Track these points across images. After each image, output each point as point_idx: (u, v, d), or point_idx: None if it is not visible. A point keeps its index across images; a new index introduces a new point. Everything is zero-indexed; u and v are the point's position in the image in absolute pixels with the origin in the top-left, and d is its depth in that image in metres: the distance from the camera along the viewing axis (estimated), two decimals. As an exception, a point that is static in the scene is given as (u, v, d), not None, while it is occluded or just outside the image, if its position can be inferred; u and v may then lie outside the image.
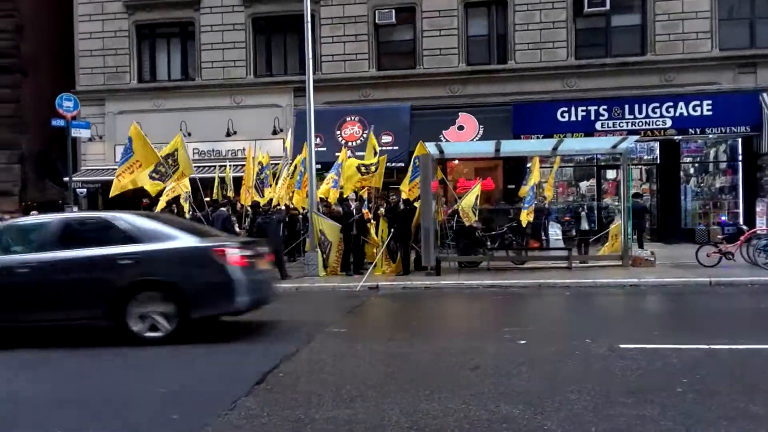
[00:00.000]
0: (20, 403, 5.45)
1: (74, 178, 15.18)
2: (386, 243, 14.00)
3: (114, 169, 20.82)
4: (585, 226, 16.00)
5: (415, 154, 14.90)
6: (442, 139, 18.88)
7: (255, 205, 14.42)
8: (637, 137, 15.65)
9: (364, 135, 20.11)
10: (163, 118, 21.05)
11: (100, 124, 21.08)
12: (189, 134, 21.10)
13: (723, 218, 18.92)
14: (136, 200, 21.13)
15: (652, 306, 10.36)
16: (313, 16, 15.19)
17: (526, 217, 14.16)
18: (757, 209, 17.11)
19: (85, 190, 20.01)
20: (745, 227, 15.12)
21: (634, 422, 4.46)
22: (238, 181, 16.68)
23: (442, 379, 5.74)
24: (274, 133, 20.61)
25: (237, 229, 13.93)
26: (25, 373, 6.57)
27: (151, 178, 13.34)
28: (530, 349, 6.77)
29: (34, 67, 23.19)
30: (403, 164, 18.24)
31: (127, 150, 13.66)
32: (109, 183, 20.03)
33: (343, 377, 5.89)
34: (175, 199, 14.80)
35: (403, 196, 14.79)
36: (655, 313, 9.97)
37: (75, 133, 14.94)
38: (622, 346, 6.71)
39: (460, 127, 19.82)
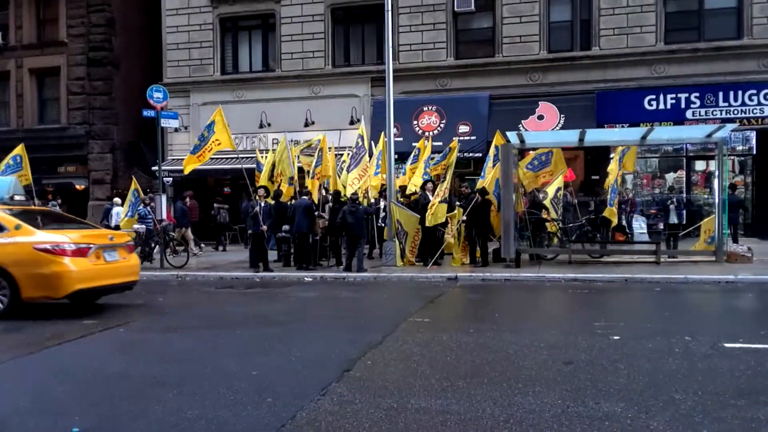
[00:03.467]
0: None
1: (162, 168, 15.80)
2: (461, 234, 13.85)
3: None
4: (674, 219, 15.31)
5: (493, 144, 14.62)
6: (521, 128, 18.48)
7: (336, 194, 14.54)
8: (734, 125, 14.79)
9: (442, 125, 19.97)
10: (244, 109, 21.64)
11: (185, 115, 21.83)
12: (269, 124, 21.62)
13: (826, 213, 17.66)
14: (218, 188, 21.83)
15: (753, 304, 9.76)
16: (391, 5, 15.12)
17: (614, 214, 13.76)
18: None
19: (171, 178, 20.78)
20: None
21: (749, 425, 4.18)
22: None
23: (534, 372, 5.58)
24: (351, 123, 20.74)
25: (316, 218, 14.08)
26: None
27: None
28: (625, 345, 6.49)
29: (124, 60, 24.25)
30: (480, 154, 17.99)
31: (207, 134, 14.26)
32: (193, 172, 20.87)
33: (432, 367, 5.83)
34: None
35: (480, 185, 14.57)
36: (757, 312, 9.36)
37: (164, 123, 15.49)
38: (726, 345, 6.33)
39: (540, 117, 19.35)
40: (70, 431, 4.38)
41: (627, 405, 4.62)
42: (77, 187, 23.78)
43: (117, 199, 19.89)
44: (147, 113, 15.29)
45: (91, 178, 23.55)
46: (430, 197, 14.84)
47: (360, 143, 15.13)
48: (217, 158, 21.27)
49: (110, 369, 6.11)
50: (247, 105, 21.81)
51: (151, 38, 24.17)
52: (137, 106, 16.67)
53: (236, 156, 17.39)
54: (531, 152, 15.25)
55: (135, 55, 24.50)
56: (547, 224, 15.10)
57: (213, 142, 14.22)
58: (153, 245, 15.13)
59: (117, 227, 19.77)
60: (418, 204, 14.47)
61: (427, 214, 13.55)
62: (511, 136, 14.15)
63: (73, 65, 23.67)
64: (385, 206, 15.22)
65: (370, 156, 16.33)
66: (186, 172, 14.87)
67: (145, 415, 4.66)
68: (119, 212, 19.57)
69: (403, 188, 15.71)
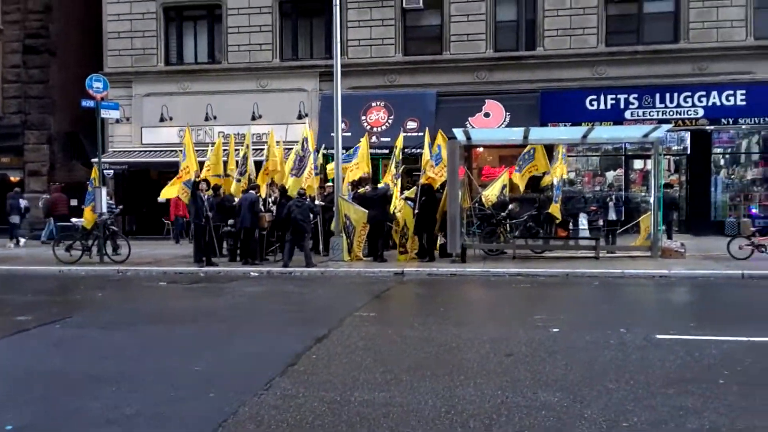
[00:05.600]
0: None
1: (102, 160, 15.31)
2: (403, 229, 13.98)
3: (141, 151, 21.17)
4: (613, 216, 15.80)
5: (435, 143, 14.74)
6: (468, 126, 18.71)
7: (283, 189, 14.41)
8: (669, 126, 15.35)
9: (390, 120, 20.03)
10: (189, 101, 21.17)
11: (127, 106, 21.18)
12: (215, 117, 21.23)
13: (753, 210, 18.60)
14: (161, 181, 21.29)
15: (684, 297, 10.20)
16: (339, 0, 15.05)
17: (557, 210, 14.12)
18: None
19: (112, 171, 20.16)
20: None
21: (677, 413, 4.38)
22: (258, 165, 16.51)
23: (475, 365, 5.71)
24: (299, 117, 20.54)
25: (262, 212, 13.91)
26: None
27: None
28: (564, 337, 6.70)
29: (63, 48, 23.35)
30: (428, 151, 18.10)
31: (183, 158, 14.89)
32: (135, 164, 20.52)
33: (376, 360, 5.88)
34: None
35: (422, 180, 14.66)
36: (688, 305, 9.82)
37: (104, 113, 15.00)
38: (658, 336, 6.61)
39: (486, 114, 19.63)
40: (3, 429, 4.24)
41: (563, 394, 4.78)
42: (12, 178, 22.81)
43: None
44: (86, 103, 14.78)
45: (27, 169, 22.62)
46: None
47: (306, 146, 14.98)
48: (160, 151, 20.79)
49: (45, 366, 5.93)
50: (192, 97, 21.31)
51: (90, 26, 23.30)
52: (76, 95, 16.10)
53: (180, 149, 16.97)
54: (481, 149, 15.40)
55: (74, 44, 23.60)
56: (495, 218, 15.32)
57: (183, 169, 14.65)
58: (93, 239, 14.63)
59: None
60: (365, 198, 14.48)
61: (394, 209, 13.95)
62: (458, 132, 14.32)
63: (9, 52, 22.66)
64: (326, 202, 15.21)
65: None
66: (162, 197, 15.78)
67: (82, 412, 4.55)
68: (25, 204, 19.49)
69: (357, 181, 15.64)
